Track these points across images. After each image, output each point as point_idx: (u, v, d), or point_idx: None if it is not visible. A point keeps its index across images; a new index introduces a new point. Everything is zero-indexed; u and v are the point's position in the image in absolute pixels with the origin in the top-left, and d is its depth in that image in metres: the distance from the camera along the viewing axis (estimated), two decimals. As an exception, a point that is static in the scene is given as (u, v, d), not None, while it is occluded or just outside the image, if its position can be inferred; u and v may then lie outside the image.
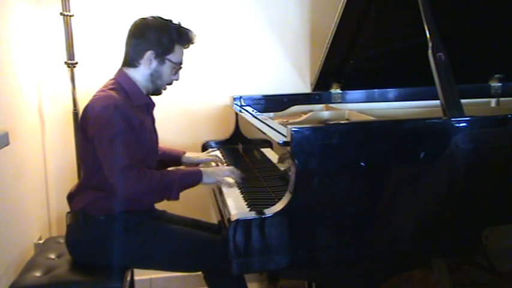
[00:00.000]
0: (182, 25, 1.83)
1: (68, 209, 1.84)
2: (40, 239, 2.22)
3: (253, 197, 1.71)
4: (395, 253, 1.58)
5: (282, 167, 1.75)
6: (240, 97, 2.52)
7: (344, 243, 1.51)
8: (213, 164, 2.12)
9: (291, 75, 2.68)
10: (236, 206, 1.64)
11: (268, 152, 2.03)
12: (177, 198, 1.74)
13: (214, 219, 2.36)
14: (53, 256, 1.86)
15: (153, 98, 1.90)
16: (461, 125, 1.54)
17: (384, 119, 2.12)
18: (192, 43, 1.85)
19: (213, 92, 2.62)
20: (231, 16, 2.58)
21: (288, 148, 1.45)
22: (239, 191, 1.80)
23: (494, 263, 2.40)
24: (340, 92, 2.56)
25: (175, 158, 2.12)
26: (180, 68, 1.86)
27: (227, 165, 2.11)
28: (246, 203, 1.66)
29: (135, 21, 1.82)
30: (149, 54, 1.77)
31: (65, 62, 2.30)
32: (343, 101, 2.56)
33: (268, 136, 1.67)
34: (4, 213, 1.87)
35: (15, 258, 1.95)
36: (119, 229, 1.74)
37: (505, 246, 2.46)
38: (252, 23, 2.61)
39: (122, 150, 1.65)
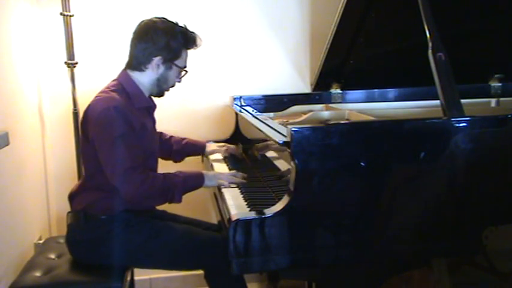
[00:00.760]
0: (188, 28, 1.82)
1: (68, 209, 1.84)
2: (40, 239, 2.22)
3: (253, 197, 1.70)
4: (395, 253, 1.58)
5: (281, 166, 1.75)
6: (240, 97, 2.52)
7: (344, 243, 1.51)
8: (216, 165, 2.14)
9: (291, 75, 2.68)
10: (236, 206, 1.64)
11: (268, 152, 2.03)
12: (179, 201, 1.74)
13: (214, 219, 2.36)
14: (53, 256, 1.86)
15: (154, 98, 1.91)
16: (461, 125, 1.54)
17: (383, 119, 2.12)
18: (198, 47, 1.85)
19: (213, 92, 2.62)
20: (231, 16, 2.58)
21: (288, 148, 1.45)
22: (239, 191, 1.80)
23: (494, 263, 2.40)
24: (340, 92, 2.56)
25: (198, 149, 2.20)
26: (186, 72, 1.86)
27: (228, 168, 2.12)
28: (246, 203, 1.66)
29: (142, 23, 1.79)
30: (158, 59, 1.76)
31: (65, 62, 2.31)
32: (343, 101, 2.56)
33: (268, 136, 1.67)
34: (4, 213, 1.87)
35: (15, 258, 1.95)
36: (120, 228, 1.74)
37: (505, 246, 2.46)
38: (252, 23, 2.61)
39: (124, 152, 1.65)
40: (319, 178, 1.45)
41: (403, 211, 1.55)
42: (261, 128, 1.79)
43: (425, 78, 1.64)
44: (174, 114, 2.57)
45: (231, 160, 2.25)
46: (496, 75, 2.58)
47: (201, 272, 1.85)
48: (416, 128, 1.55)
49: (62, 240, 1.94)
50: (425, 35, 1.63)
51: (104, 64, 2.40)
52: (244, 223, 1.42)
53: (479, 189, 1.60)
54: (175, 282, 2.63)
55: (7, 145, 1.88)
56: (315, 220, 1.48)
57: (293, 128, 1.43)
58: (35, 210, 2.27)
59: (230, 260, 1.43)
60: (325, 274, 1.61)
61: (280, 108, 2.50)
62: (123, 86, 1.77)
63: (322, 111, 2.39)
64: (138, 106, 1.78)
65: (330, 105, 2.50)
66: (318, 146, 1.44)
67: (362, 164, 1.47)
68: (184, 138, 2.20)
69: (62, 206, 2.00)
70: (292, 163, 1.44)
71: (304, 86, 2.68)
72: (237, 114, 2.46)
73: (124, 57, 1.86)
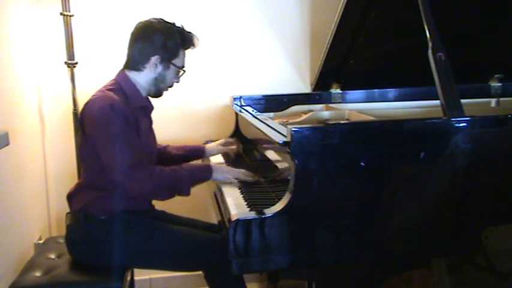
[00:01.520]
0: (185, 28, 1.83)
1: (68, 209, 1.84)
2: (40, 239, 2.22)
3: (253, 197, 1.70)
4: (395, 253, 1.58)
5: (281, 166, 1.75)
6: (240, 97, 2.52)
7: (344, 243, 1.51)
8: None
9: (291, 75, 2.68)
10: (236, 206, 1.64)
11: (268, 152, 2.03)
12: (188, 194, 1.74)
13: (214, 219, 2.36)
14: (53, 256, 1.86)
15: (153, 99, 1.91)
16: (461, 125, 1.54)
17: (383, 119, 2.12)
18: (195, 47, 1.86)
19: (213, 92, 2.62)
20: (231, 16, 2.58)
21: (287, 149, 1.45)
22: (239, 191, 1.80)
23: (494, 263, 2.40)
24: (340, 92, 2.56)
25: (199, 152, 2.16)
26: (184, 71, 1.87)
27: (226, 165, 2.12)
28: (246, 203, 1.66)
29: (139, 24, 1.80)
30: (155, 59, 1.77)
31: (65, 62, 2.30)
32: (343, 101, 2.56)
33: (268, 136, 1.67)
34: (4, 213, 1.87)
35: (15, 258, 1.95)
36: (120, 229, 1.74)
37: (505, 246, 2.46)
38: (252, 23, 2.61)
39: (125, 149, 1.65)
40: (319, 178, 1.45)
41: (403, 211, 1.55)
42: (261, 128, 1.79)
43: (425, 78, 1.64)
44: (174, 114, 2.57)
45: (230, 160, 2.25)
46: (496, 75, 2.58)
47: (201, 271, 1.85)
48: (416, 128, 1.55)
49: (61, 240, 1.93)
50: (425, 35, 1.63)
51: (104, 64, 2.40)
52: (244, 223, 1.42)
53: (479, 189, 1.60)
54: (175, 282, 2.63)
55: (7, 145, 1.88)
56: (315, 220, 1.48)
57: (293, 128, 1.43)
58: (35, 210, 2.27)
59: (230, 260, 1.43)
60: (325, 274, 1.61)
61: (280, 108, 2.50)
62: (120, 86, 1.78)
63: (322, 111, 2.39)
64: (135, 105, 1.78)
65: (330, 105, 2.50)
66: (318, 146, 1.44)
67: (362, 164, 1.47)
68: (182, 146, 2.16)
69: (62, 206, 1.99)
70: (292, 163, 1.44)
71: (304, 86, 2.68)
72: (237, 114, 2.46)
73: (124, 58, 1.86)
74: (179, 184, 1.72)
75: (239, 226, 1.42)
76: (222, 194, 1.79)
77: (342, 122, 2.12)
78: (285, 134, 1.51)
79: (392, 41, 2.35)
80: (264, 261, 1.46)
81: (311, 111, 2.39)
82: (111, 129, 1.66)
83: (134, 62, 1.79)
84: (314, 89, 2.57)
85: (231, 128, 2.52)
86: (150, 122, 1.92)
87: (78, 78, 2.34)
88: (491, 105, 2.56)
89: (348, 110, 2.25)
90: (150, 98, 1.90)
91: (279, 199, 1.49)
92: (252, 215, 1.45)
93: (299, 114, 2.42)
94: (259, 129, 1.81)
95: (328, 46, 2.29)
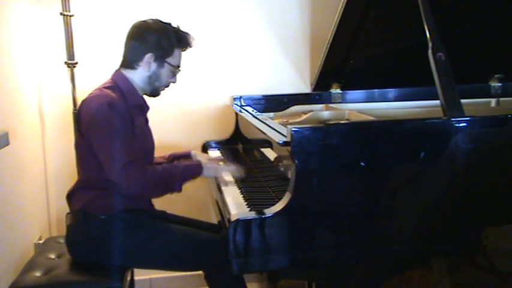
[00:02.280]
0: (181, 28, 1.84)
1: (68, 209, 1.84)
2: (40, 239, 2.22)
3: (253, 197, 1.71)
4: (395, 253, 1.58)
5: (281, 167, 1.75)
6: (240, 97, 2.52)
7: (344, 243, 1.51)
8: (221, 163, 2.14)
9: (291, 75, 2.68)
10: (236, 206, 1.64)
11: (268, 152, 2.03)
12: (179, 190, 1.76)
13: (214, 219, 2.36)
14: (53, 256, 1.86)
15: (152, 99, 1.91)
16: (461, 125, 1.54)
17: (384, 119, 2.12)
18: (191, 47, 1.87)
19: (213, 92, 2.62)
20: (231, 16, 2.58)
21: (288, 148, 1.45)
22: (239, 191, 1.80)
23: (494, 263, 2.39)
24: (340, 92, 2.56)
25: (186, 157, 2.15)
26: (179, 71, 1.87)
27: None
28: (246, 203, 1.66)
29: (134, 24, 1.82)
30: (148, 57, 1.78)
31: (65, 62, 2.30)
32: (343, 101, 2.56)
33: (268, 136, 1.67)
34: (4, 213, 1.87)
35: (15, 258, 1.95)
36: (119, 228, 1.74)
37: (505, 246, 2.46)
38: (252, 23, 2.61)
39: (121, 147, 1.66)
40: (319, 178, 1.45)
41: (403, 211, 1.55)
42: (261, 128, 1.79)
43: (425, 78, 1.64)
44: (174, 114, 2.57)
45: (230, 160, 2.24)
46: (496, 75, 2.58)
47: (201, 271, 1.85)
48: (416, 128, 1.55)
49: (62, 240, 1.94)
50: (425, 35, 1.63)
51: (104, 64, 2.39)
52: (244, 223, 1.43)
53: (479, 189, 1.60)
54: (175, 282, 2.63)
55: (7, 145, 1.88)
56: (314, 220, 1.48)
57: (293, 128, 1.43)
58: (35, 210, 2.27)
59: (230, 260, 1.44)
60: (325, 274, 1.62)
61: (280, 108, 2.50)
62: (117, 84, 1.79)
63: (322, 111, 2.39)
64: (132, 103, 1.79)
65: (330, 105, 2.50)
66: (318, 146, 1.44)
67: (362, 164, 1.47)
68: (170, 154, 2.15)
69: (62, 206, 1.99)
70: (292, 163, 1.44)
71: (304, 86, 2.68)
72: (237, 114, 2.46)
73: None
74: (171, 182, 1.74)
75: (239, 226, 1.42)
76: (221, 194, 1.80)
77: (342, 122, 2.12)
78: (285, 134, 1.51)
79: (392, 41, 2.35)
80: (264, 261, 1.46)
81: (311, 111, 2.39)
82: (108, 127, 1.67)
83: (129, 60, 1.81)
84: (314, 89, 2.57)
85: (231, 128, 2.52)
86: (147, 121, 1.92)
87: (78, 78, 2.34)
88: (491, 105, 2.56)
89: (348, 110, 2.25)
90: (146, 98, 1.90)
91: (279, 199, 1.49)
92: (252, 215, 1.45)
93: (299, 114, 2.42)
94: (259, 129, 1.81)
95: (328, 46, 2.29)
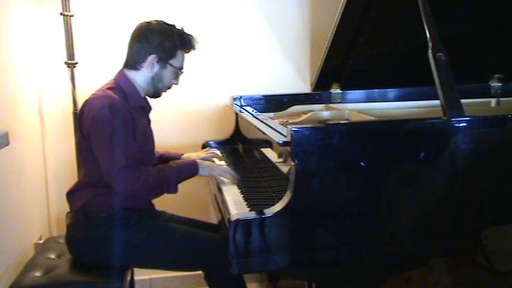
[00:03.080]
0: (185, 31, 1.85)
1: (67, 209, 1.84)
2: (40, 239, 2.22)
3: (253, 197, 1.71)
4: (395, 253, 1.58)
5: (282, 166, 1.75)
6: (240, 97, 2.52)
7: (344, 243, 1.51)
8: (216, 160, 2.14)
9: (291, 75, 2.68)
10: (236, 205, 1.64)
11: (268, 152, 2.03)
12: (175, 191, 1.77)
13: (214, 219, 2.36)
14: (53, 256, 1.86)
15: (152, 99, 1.91)
16: (461, 125, 1.54)
17: (383, 119, 2.12)
18: (194, 49, 1.88)
19: (213, 92, 2.62)
20: (231, 16, 2.58)
21: (288, 148, 1.45)
22: (239, 191, 1.80)
23: (494, 263, 2.40)
24: (340, 92, 2.56)
25: (175, 159, 2.11)
26: (182, 73, 1.88)
27: (226, 165, 2.11)
28: (246, 203, 1.66)
29: (139, 25, 1.83)
30: (152, 58, 1.79)
31: (65, 62, 2.30)
32: (343, 101, 2.56)
33: (268, 136, 1.67)
34: (4, 213, 1.87)
35: (15, 258, 1.95)
36: (120, 227, 1.74)
37: (505, 246, 2.46)
38: (252, 23, 2.61)
39: (118, 149, 1.67)
40: (319, 178, 1.45)
41: (403, 211, 1.55)
42: (261, 128, 1.79)
43: (425, 78, 1.64)
44: (174, 114, 2.57)
45: (230, 160, 2.25)
46: (496, 75, 2.58)
47: (201, 272, 1.85)
48: (416, 128, 1.55)
49: (62, 240, 1.94)
50: (425, 35, 1.63)
51: (104, 64, 2.40)
52: (244, 223, 1.42)
53: (479, 189, 1.60)
54: (175, 282, 2.63)
55: (7, 145, 1.88)
56: (315, 220, 1.48)
57: (293, 128, 1.43)
58: (35, 210, 2.27)
59: (230, 260, 1.43)
60: (325, 274, 1.61)
61: (280, 108, 2.50)
62: (119, 85, 1.80)
63: (322, 111, 2.39)
64: (134, 105, 1.80)
65: (330, 105, 2.50)
66: (318, 146, 1.44)
67: (362, 164, 1.47)
68: (157, 152, 2.09)
69: (62, 206, 1.99)
70: (292, 163, 1.44)
71: (304, 86, 2.68)
72: (237, 114, 2.46)
73: (124, 58, 1.86)
74: (166, 183, 1.75)
75: (239, 226, 1.42)
76: (222, 194, 1.80)
77: (342, 122, 2.12)
78: (285, 134, 1.51)
79: (392, 41, 2.35)
80: (264, 261, 1.46)
81: (311, 111, 2.39)
82: (108, 129, 1.68)
83: (132, 61, 1.81)
84: (314, 89, 2.57)
85: (231, 128, 2.52)
86: (149, 121, 1.93)
87: (78, 78, 2.34)
88: (491, 105, 2.56)
89: (348, 110, 2.26)
90: (148, 99, 1.91)
91: (279, 199, 1.49)
92: (252, 215, 1.45)
93: (299, 114, 2.42)
94: (259, 129, 1.81)
95: (328, 46, 2.29)
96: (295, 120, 2.24)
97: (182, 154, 2.15)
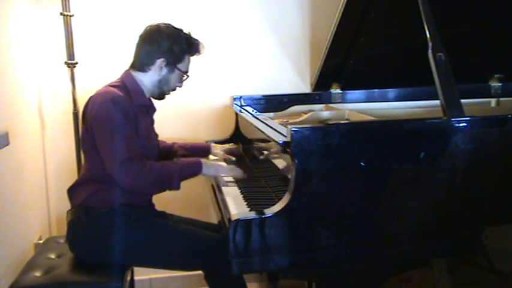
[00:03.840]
0: (192, 35, 1.87)
1: (68, 208, 1.84)
2: (40, 239, 2.22)
3: (253, 197, 1.71)
4: (395, 253, 1.58)
5: (280, 164, 1.75)
6: (240, 97, 2.52)
7: (344, 243, 1.51)
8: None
9: (291, 75, 2.68)
10: (236, 205, 1.64)
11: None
12: (178, 188, 1.77)
13: (214, 219, 2.36)
14: (53, 256, 1.86)
15: (154, 100, 1.92)
16: (461, 125, 1.54)
17: (384, 119, 2.12)
18: (200, 54, 1.90)
19: (213, 92, 2.62)
20: (231, 16, 2.58)
21: (288, 148, 1.45)
22: (239, 191, 1.81)
23: (494, 263, 2.40)
24: (340, 92, 2.56)
25: (204, 151, 2.20)
26: (187, 76, 1.90)
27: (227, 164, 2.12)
28: (246, 203, 1.66)
29: (148, 28, 1.84)
30: (160, 61, 1.81)
31: (65, 62, 2.30)
32: (343, 101, 2.56)
33: (268, 136, 1.67)
34: (4, 213, 1.87)
35: (15, 258, 1.95)
36: (120, 222, 1.74)
37: (505, 246, 2.46)
38: (252, 23, 2.61)
39: (121, 143, 1.68)
40: (319, 178, 1.45)
41: (403, 211, 1.55)
42: (261, 128, 1.79)
43: (425, 78, 1.64)
44: (174, 114, 2.57)
45: (231, 160, 2.24)
46: (496, 75, 2.58)
47: (201, 272, 1.85)
48: (417, 128, 1.55)
49: (62, 240, 1.94)
50: (425, 35, 1.63)
51: (103, 64, 2.40)
52: (244, 223, 1.43)
53: (479, 189, 1.60)
54: (175, 282, 2.63)
55: (7, 145, 1.88)
56: (314, 220, 1.48)
57: (293, 128, 1.43)
58: (35, 210, 2.27)
59: (230, 260, 1.44)
60: (325, 274, 1.61)
61: (280, 108, 2.51)
62: (125, 84, 1.82)
63: (322, 111, 2.39)
64: (137, 103, 1.80)
65: (330, 105, 2.50)
66: (318, 146, 1.44)
67: (362, 164, 1.47)
68: (188, 144, 2.21)
69: (62, 206, 2.00)
70: (292, 163, 1.44)
71: (304, 86, 2.68)
72: (237, 114, 2.46)
73: (124, 58, 1.87)
74: (169, 179, 1.75)
75: (239, 226, 1.42)
76: (222, 194, 1.80)
77: (342, 122, 2.12)
78: (285, 134, 1.51)
79: (392, 41, 2.35)
80: (264, 261, 1.46)
81: (311, 111, 2.39)
82: (111, 122, 1.69)
83: (140, 63, 1.83)
84: (314, 89, 2.57)
85: (231, 128, 2.52)
86: (152, 121, 1.94)
87: (78, 78, 2.34)
88: (491, 105, 2.56)
89: (348, 110, 2.26)
90: (152, 100, 1.92)
91: (279, 199, 1.49)
92: (252, 215, 1.45)
93: (299, 114, 2.42)
94: (259, 129, 1.81)
95: (328, 46, 2.29)
96: (295, 120, 2.24)
97: (209, 146, 2.21)
